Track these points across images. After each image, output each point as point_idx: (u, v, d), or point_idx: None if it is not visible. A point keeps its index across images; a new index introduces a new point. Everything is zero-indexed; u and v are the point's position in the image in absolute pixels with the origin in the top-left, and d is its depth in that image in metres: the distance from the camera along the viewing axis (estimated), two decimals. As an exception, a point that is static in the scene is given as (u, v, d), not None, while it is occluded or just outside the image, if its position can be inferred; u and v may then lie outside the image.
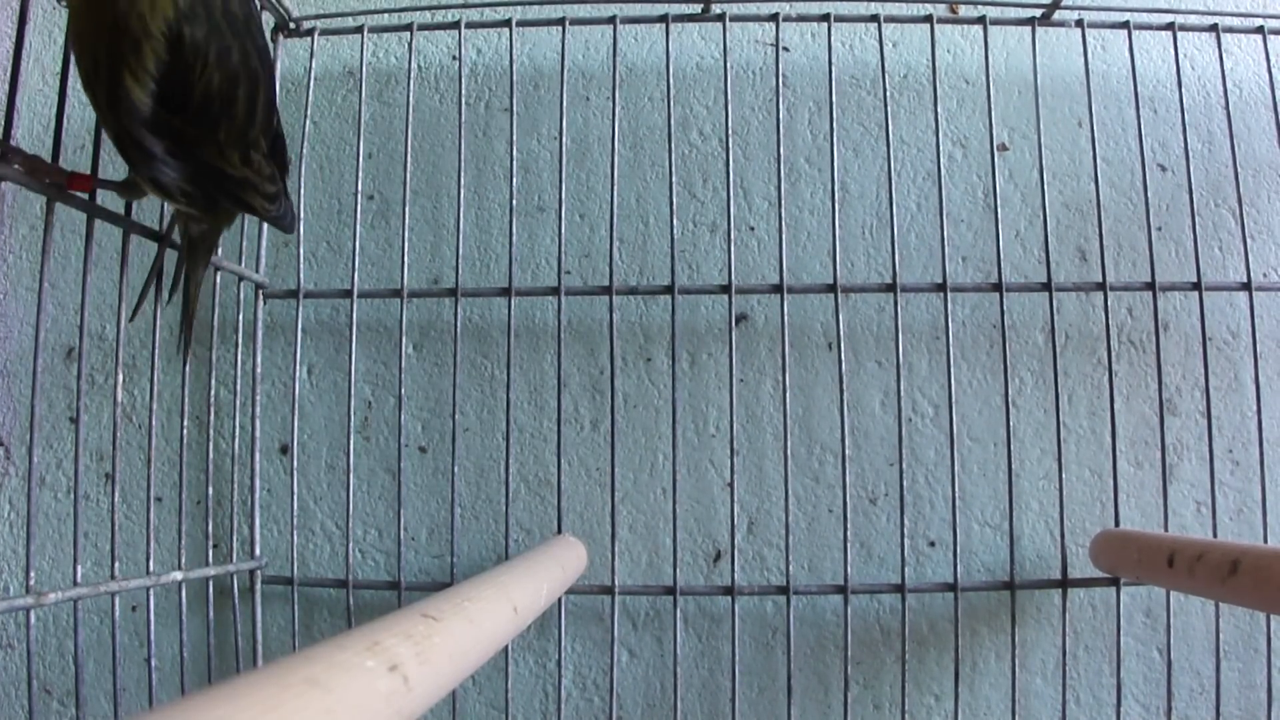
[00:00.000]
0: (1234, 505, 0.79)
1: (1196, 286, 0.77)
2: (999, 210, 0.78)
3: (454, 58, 0.85)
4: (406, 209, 0.78)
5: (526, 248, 0.82)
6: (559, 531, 0.75)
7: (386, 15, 0.82)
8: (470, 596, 0.44)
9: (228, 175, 0.54)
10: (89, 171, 0.57)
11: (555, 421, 0.76)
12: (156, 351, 0.66)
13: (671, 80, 0.79)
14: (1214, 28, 0.81)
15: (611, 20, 0.79)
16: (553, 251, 0.81)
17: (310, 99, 0.80)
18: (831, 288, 0.77)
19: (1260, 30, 0.82)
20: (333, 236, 0.83)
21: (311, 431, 0.81)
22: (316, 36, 0.81)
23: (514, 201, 0.78)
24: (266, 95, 0.55)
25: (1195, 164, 0.80)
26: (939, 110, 0.81)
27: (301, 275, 0.78)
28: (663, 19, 0.79)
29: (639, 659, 0.78)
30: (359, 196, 0.79)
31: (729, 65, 0.79)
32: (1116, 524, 0.76)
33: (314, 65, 0.81)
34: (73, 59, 0.50)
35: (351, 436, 0.76)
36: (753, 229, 0.83)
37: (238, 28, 0.52)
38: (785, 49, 0.85)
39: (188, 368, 0.70)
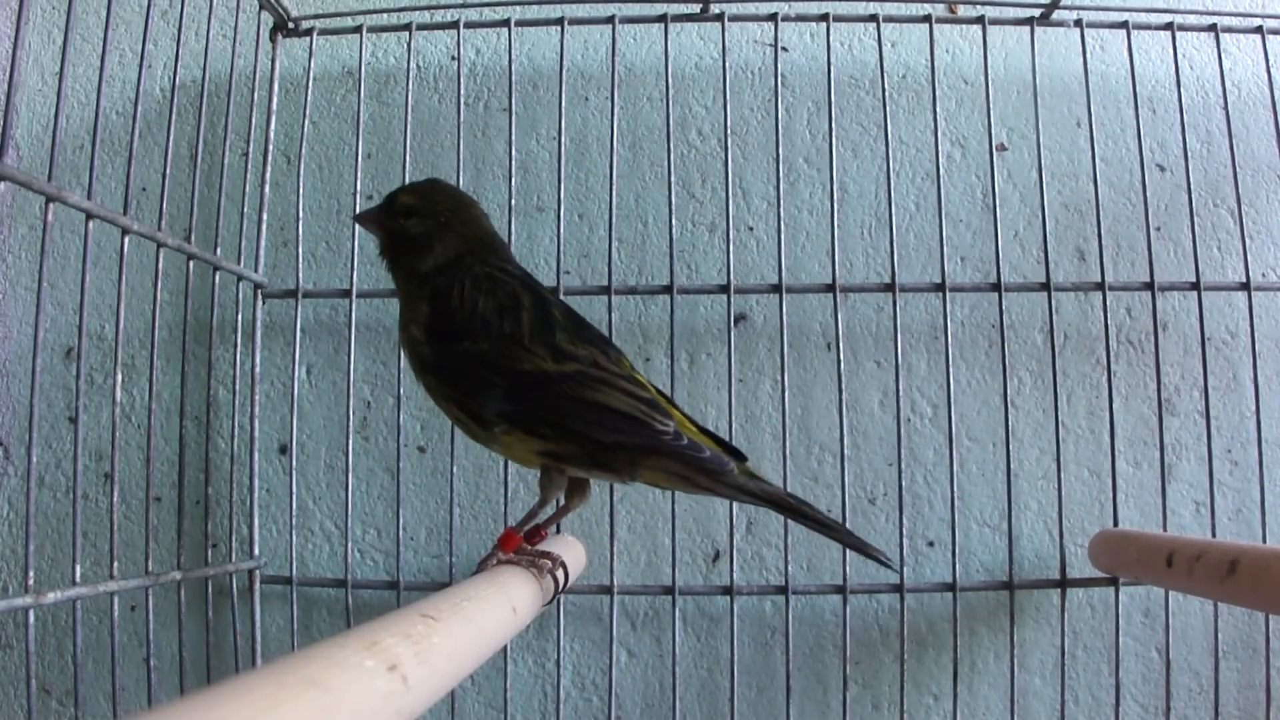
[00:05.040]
0: (1232, 505, 0.79)
1: (1195, 286, 0.77)
2: (998, 210, 0.78)
3: (453, 58, 0.85)
4: (405, 209, 0.78)
5: (525, 247, 0.82)
6: (558, 531, 0.75)
7: (385, 15, 0.81)
8: (469, 596, 0.44)
9: (549, 375, 0.53)
10: (87, 171, 0.57)
11: (554, 421, 0.76)
12: (155, 351, 0.66)
13: (670, 80, 0.79)
14: (1213, 28, 0.81)
15: (610, 20, 0.79)
16: (551, 251, 0.81)
17: (309, 99, 0.80)
18: (830, 288, 0.77)
19: (1259, 30, 0.82)
20: (331, 236, 0.83)
21: (310, 431, 0.81)
22: (315, 36, 0.81)
23: (513, 201, 0.78)
24: (565, 310, 0.57)
25: (1194, 164, 0.80)
26: (938, 110, 0.81)
27: (300, 275, 0.78)
28: (661, 19, 0.79)
29: (638, 659, 0.78)
30: (358, 196, 0.79)
31: (728, 65, 0.79)
32: (1115, 524, 0.76)
33: (313, 65, 0.81)
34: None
35: (350, 436, 0.76)
36: (751, 229, 0.83)
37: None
38: (784, 49, 0.85)
39: (186, 367, 0.70)
